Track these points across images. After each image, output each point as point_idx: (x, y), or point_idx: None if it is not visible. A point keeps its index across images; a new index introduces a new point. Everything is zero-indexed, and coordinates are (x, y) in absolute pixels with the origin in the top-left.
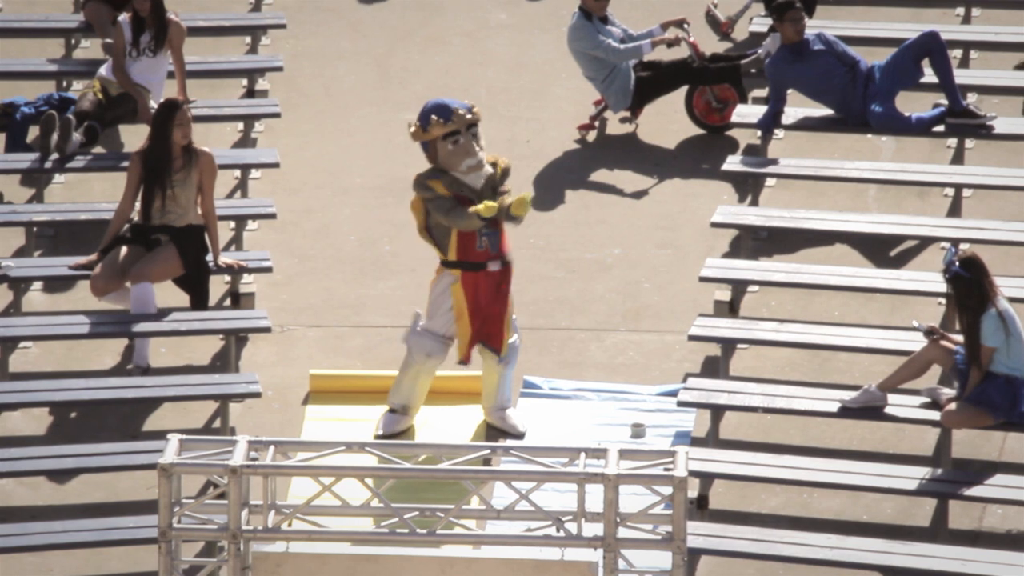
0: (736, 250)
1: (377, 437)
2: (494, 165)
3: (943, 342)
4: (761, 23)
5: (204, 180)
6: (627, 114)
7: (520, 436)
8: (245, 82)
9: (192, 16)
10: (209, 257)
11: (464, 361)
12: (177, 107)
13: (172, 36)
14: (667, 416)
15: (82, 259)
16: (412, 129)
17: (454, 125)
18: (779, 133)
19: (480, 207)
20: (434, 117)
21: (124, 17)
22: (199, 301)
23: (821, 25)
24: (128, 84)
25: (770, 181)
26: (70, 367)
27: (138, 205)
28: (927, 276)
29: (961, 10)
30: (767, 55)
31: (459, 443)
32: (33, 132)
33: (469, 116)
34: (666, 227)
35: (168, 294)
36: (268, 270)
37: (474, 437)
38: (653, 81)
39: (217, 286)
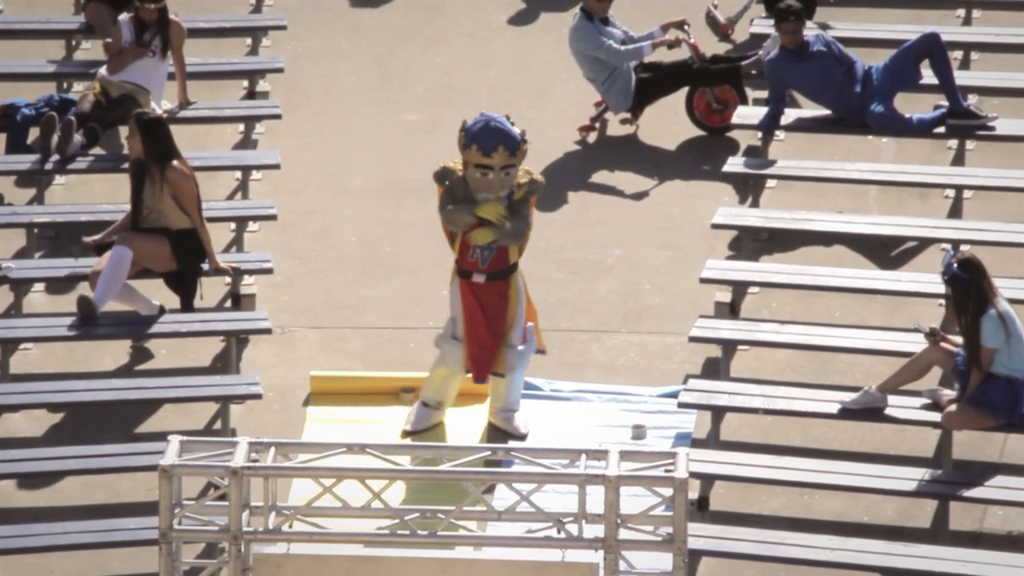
0: (737, 251)
1: (406, 432)
2: (518, 185)
3: (944, 344)
4: (762, 24)
5: (176, 195)
6: (628, 115)
7: (522, 439)
8: (246, 83)
9: (193, 17)
10: (206, 263)
11: (476, 378)
12: (135, 119)
13: (172, 36)
14: (668, 417)
15: (90, 239)
16: (458, 135)
17: (491, 162)
18: (780, 134)
19: (485, 209)
20: (475, 147)
21: (124, 17)
22: (187, 302)
23: (821, 26)
24: (128, 57)
25: (771, 182)
26: (71, 368)
27: None
28: (928, 277)
29: (962, 11)
30: (767, 56)
31: (460, 444)
32: (34, 133)
33: (509, 158)
34: (667, 228)
35: (164, 295)
36: (269, 271)
37: (476, 439)
38: (654, 82)
39: (218, 288)
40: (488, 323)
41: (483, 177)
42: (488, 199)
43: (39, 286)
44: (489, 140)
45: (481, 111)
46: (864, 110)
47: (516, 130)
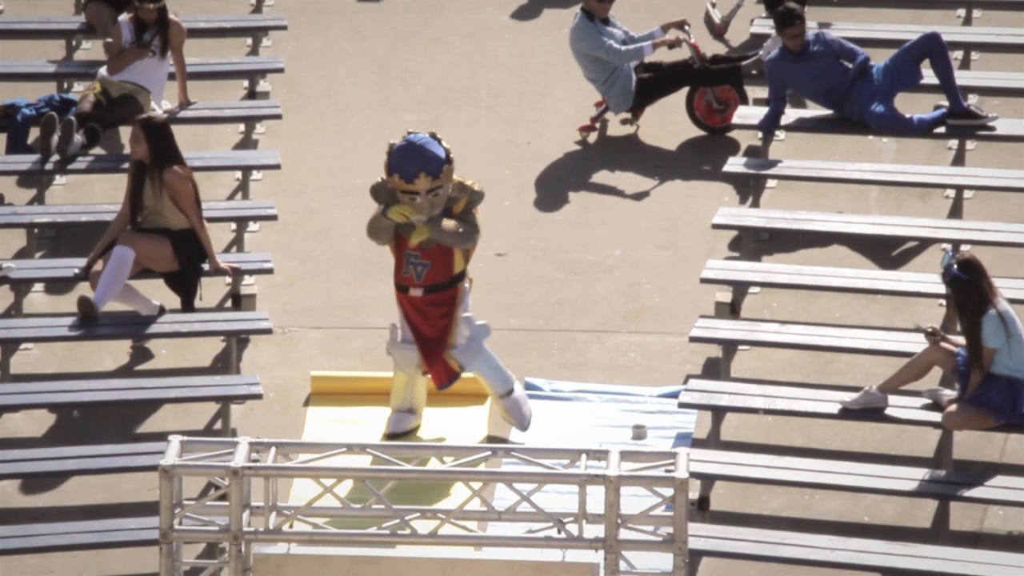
0: (737, 251)
1: (387, 436)
2: (456, 198)
3: (944, 344)
4: (762, 24)
5: (174, 197)
6: (628, 115)
7: (523, 428)
8: (246, 83)
9: (193, 17)
10: (206, 263)
11: (437, 387)
12: (140, 123)
13: (172, 36)
14: (668, 417)
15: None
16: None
17: (414, 188)
18: (780, 134)
19: (394, 211)
20: (397, 176)
21: (124, 17)
22: (187, 302)
23: (821, 26)
24: (128, 57)
25: (771, 182)
26: (71, 368)
27: None
28: (928, 278)
29: (962, 11)
30: (767, 56)
31: (459, 445)
32: (34, 134)
33: (433, 182)
34: (667, 228)
35: (164, 295)
36: (269, 272)
37: (476, 439)
38: (654, 82)
39: (218, 288)
40: (432, 335)
41: (412, 202)
42: (420, 220)
43: (39, 286)
44: (409, 167)
45: (426, 131)
46: (864, 110)
47: (442, 150)
